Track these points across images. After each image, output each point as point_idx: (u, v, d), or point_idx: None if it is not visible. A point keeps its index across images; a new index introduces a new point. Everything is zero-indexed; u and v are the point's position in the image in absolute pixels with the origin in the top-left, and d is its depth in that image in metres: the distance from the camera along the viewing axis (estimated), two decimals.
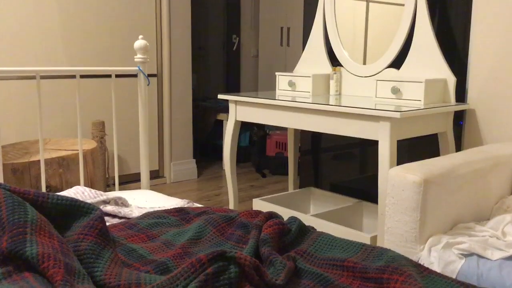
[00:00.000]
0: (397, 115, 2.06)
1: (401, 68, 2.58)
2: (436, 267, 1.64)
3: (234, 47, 5.74)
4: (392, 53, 2.62)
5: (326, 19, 2.94)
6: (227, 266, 1.14)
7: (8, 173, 2.63)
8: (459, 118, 2.49)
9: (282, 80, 2.98)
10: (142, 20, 4.00)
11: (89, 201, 1.81)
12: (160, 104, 4.21)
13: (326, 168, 3.25)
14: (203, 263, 1.13)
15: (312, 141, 3.31)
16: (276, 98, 2.60)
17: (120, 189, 2.62)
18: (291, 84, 2.90)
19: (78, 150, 2.85)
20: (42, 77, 3.49)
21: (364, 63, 2.78)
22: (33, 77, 3.46)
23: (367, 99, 2.57)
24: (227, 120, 3.92)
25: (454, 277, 1.59)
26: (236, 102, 2.80)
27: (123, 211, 1.81)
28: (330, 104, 2.34)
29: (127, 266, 1.31)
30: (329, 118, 2.35)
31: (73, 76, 3.60)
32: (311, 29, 3.03)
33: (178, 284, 1.10)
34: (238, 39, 5.71)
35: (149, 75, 2.54)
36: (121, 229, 1.58)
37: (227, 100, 2.85)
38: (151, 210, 1.86)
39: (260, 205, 2.84)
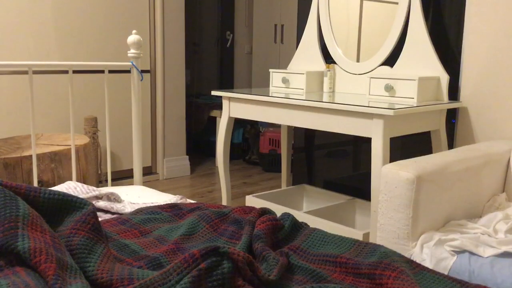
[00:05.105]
0: (390, 112, 2.06)
1: (394, 66, 2.59)
2: (428, 264, 1.65)
3: (228, 44, 5.73)
4: (385, 51, 2.63)
5: (320, 16, 2.94)
6: (220, 261, 1.14)
7: (0, 167, 2.62)
8: (452, 116, 2.50)
9: (275, 77, 2.98)
10: (135, 15, 3.98)
11: (81, 196, 1.80)
12: (153, 100, 4.20)
13: (319, 165, 3.25)
14: (196, 258, 1.13)
15: (305, 138, 3.31)
16: (270, 95, 2.60)
17: (112, 186, 2.61)
18: (285, 81, 2.90)
19: (70, 145, 2.83)
20: (35, 72, 3.47)
21: (358, 60, 2.78)
22: (25, 72, 3.43)
23: (361, 97, 2.57)
24: (220, 117, 3.92)
25: (446, 274, 1.59)
26: (229, 98, 2.79)
27: (116, 206, 1.81)
28: (323, 101, 2.35)
29: (120, 261, 1.31)
30: (322, 115, 2.35)
31: (66, 71, 3.58)
32: (305, 26, 3.03)
33: (171, 279, 1.10)
34: (232, 35, 5.70)
35: (142, 71, 2.53)
36: (114, 224, 1.57)
37: (220, 97, 2.85)
38: (144, 205, 1.85)
39: (253, 202, 2.84)
